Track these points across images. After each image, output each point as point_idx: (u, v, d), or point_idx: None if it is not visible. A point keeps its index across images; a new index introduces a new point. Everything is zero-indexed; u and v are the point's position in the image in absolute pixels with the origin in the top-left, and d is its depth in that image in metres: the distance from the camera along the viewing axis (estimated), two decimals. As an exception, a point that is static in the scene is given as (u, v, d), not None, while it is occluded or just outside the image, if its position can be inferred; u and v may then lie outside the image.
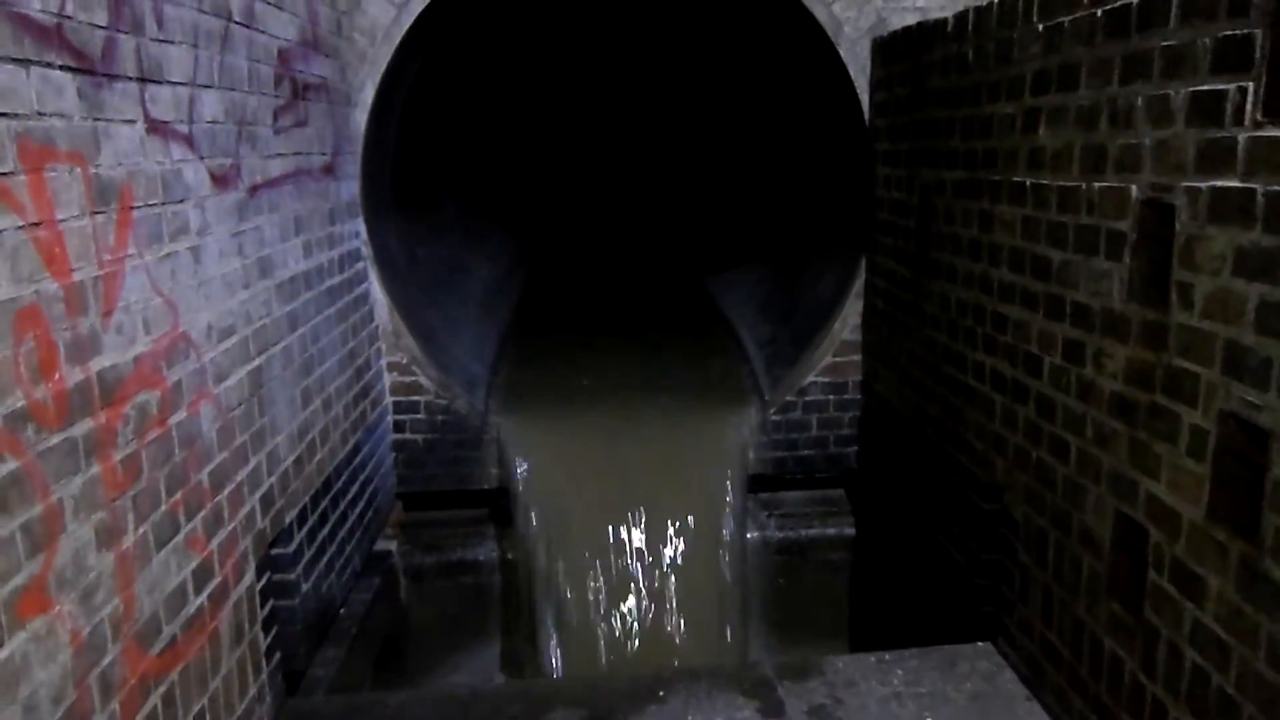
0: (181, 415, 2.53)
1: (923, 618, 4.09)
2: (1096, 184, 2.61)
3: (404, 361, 4.64)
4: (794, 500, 5.11)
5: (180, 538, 2.49)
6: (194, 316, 2.61)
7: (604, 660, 4.39)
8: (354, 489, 4.09)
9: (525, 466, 4.68)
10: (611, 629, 4.46)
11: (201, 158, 2.68)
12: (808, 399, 4.84)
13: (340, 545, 3.90)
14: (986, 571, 3.44)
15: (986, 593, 3.45)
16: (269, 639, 3.10)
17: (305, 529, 3.48)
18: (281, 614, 3.31)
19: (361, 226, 4.35)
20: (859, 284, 4.72)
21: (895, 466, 4.40)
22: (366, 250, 4.40)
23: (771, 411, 4.86)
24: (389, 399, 4.67)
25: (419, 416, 4.72)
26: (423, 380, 4.68)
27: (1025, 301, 3.04)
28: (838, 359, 4.80)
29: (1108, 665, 2.65)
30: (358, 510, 4.14)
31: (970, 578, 3.57)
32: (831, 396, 4.85)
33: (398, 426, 4.73)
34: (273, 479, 3.17)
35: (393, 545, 4.76)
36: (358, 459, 4.15)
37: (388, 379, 4.65)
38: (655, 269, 8.13)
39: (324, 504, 3.70)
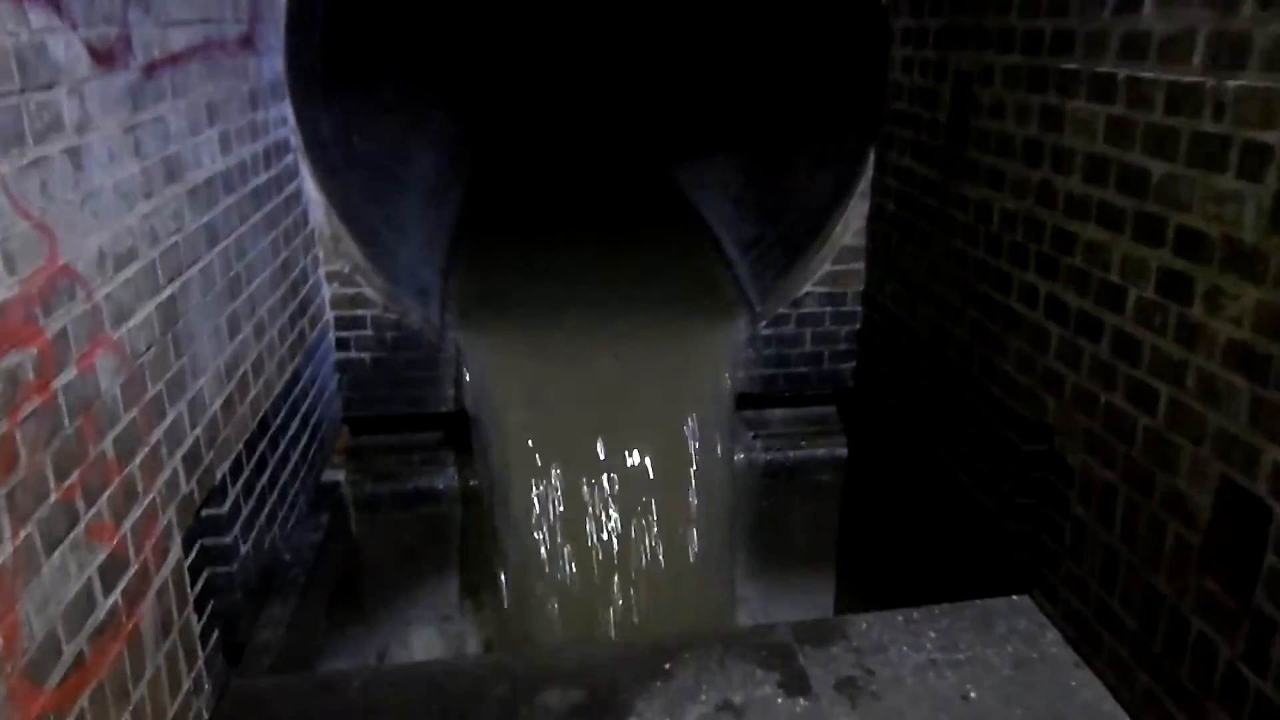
0: (70, 375, 1.93)
1: (930, 552, 3.76)
2: (1231, 82, 2.10)
3: (345, 270, 4.01)
4: (781, 419, 4.70)
5: (79, 530, 1.93)
6: (79, 242, 1.99)
7: (577, 593, 4.00)
8: (295, 423, 3.53)
9: (488, 387, 4.15)
10: (585, 561, 4.04)
11: (74, 26, 2.00)
12: (802, 311, 4.36)
13: (283, 490, 3.37)
14: (1023, 517, 3.08)
15: (1021, 540, 3.10)
16: (204, 619, 2.60)
17: (241, 481, 2.93)
18: (219, 585, 2.80)
19: (289, 111, 3.63)
20: (864, 182, 4.19)
21: (902, 389, 3.99)
22: (296, 140, 3.69)
23: (762, 325, 4.38)
24: (330, 314, 4.05)
25: (365, 333, 4.12)
26: (368, 291, 4.06)
27: (1105, 220, 2.56)
28: (837, 267, 4.31)
29: (1194, 647, 2.30)
30: (300, 446, 3.59)
31: (1001, 521, 3.21)
32: (829, 309, 4.37)
33: (341, 344, 4.13)
34: (198, 430, 2.60)
35: (340, 475, 4.23)
36: (298, 388, 3.57)
37: (327, 291, 4.02)
38: (613, 154, 7.43)
39: (261, 447, 3.14)
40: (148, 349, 2.30)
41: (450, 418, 4.35)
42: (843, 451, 4.63)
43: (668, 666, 2.78)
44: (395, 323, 4.13)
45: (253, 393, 3.06)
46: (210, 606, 2.66)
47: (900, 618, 3.01)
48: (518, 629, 3.99)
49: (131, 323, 2.21)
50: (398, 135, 5.70)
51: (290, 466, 3.45)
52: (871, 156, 4.14)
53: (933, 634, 2.93)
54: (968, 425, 3.40)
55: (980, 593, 3.16)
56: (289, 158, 3.61)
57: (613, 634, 3.92)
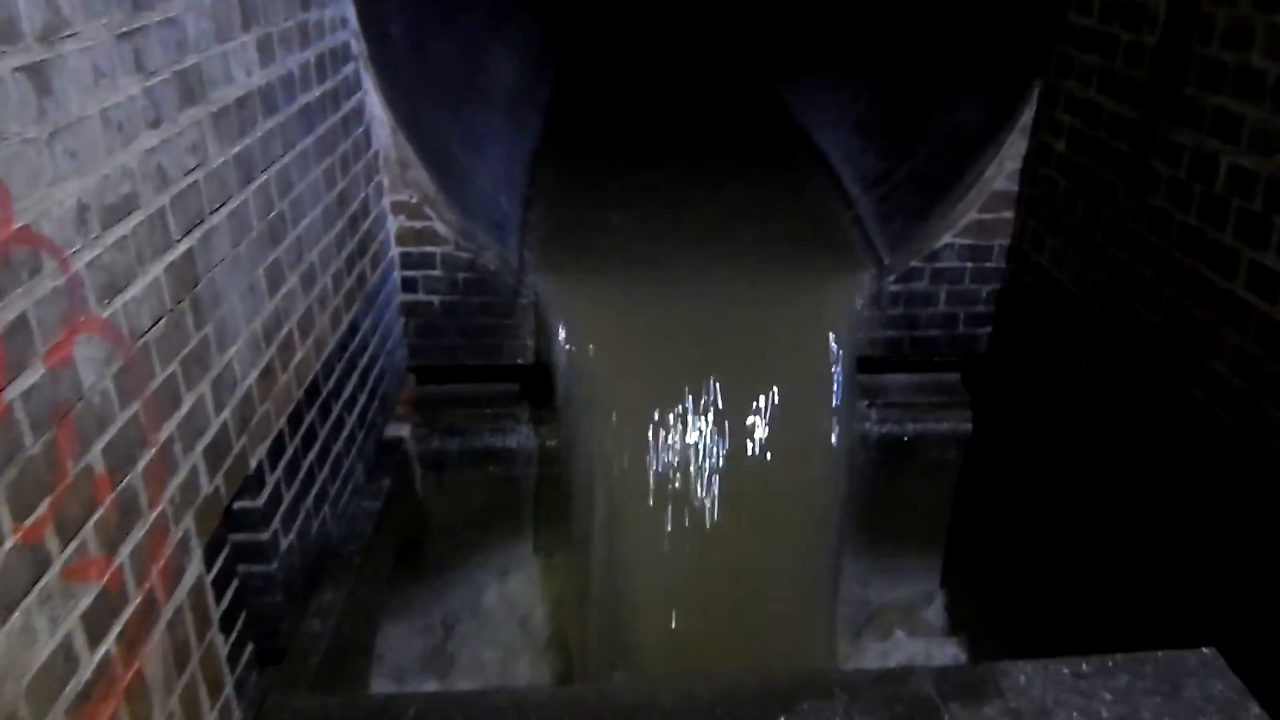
0: (36, 374, 1.46)
1: (1080, 567, 3.19)
2: None
3: (413, 201, 3.49)
4: (900, 386, 4.10)
5: (50, 576, 1.49)
6: (45, 195, 1.49)
7: (666, 573, 3.54)
8: (351, 383, 3.07)
9: (575, 339, 3.62)
10: (676, 537, 3.56)
11: (34, -106, 1.46)
12: (939, 265, 3.71)
13: (335, 462, 2.93)
14: (1222, 552, 2.48)
15: (1215, 579, 2.51)
16: (234, 635, 2.19)
17: (283, 464, 2.49)
18: (255, 587, 2.40)
19: (349, 8, 3.07)
20: (1028, 115, 3.48)
21: (1055, 366, 3.35)
22: (358, 45, 3.13)
23: (890, 279, 3.75)
24: (395, 250, 3.55)
25: (435, 274, 3.62)
26: (438, 226, 3.54)
27: None
28: (985, 215, 3.63)
29: None
30: (357, 408, 3.14)
31: (1188, 552, 2.61)
32: (969, 264, 3.71)
33: (407, 285, 3.64)
34: (225, 414, 2.14)
35: (405, 430, 3.80)
36: (355, 341, 3.10)
37: (392, 225, 3.51)
38: (711, 64, 6.69)
39: (309, 418, 2.69)
40: (154, 324, 1.82)
41: (527, 370, 3.87)
42: (967, 427, 4.03)
43: (782, 719, 2.30)
44: (469, 262, 3.62)
45: (299, 355, 2.60)
46: (243, 618, 2.24)
47: (1066, 670, 2.45)
48: (601, 606, 3.56)
49: (130, 294, 1.73)
50: (476, 38, 5.08)
51: (345, 434, 3.01)
52: (1038, 85, 3.42)
53: (1108, 695, 2.37)
54: (1154, 430, 2.78)
55: (1144, 631, 2.61)
56: (349, 68, 3.06)
57: (702, 618, 3.48)
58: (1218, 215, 2.47)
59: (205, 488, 2.04)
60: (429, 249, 3.57)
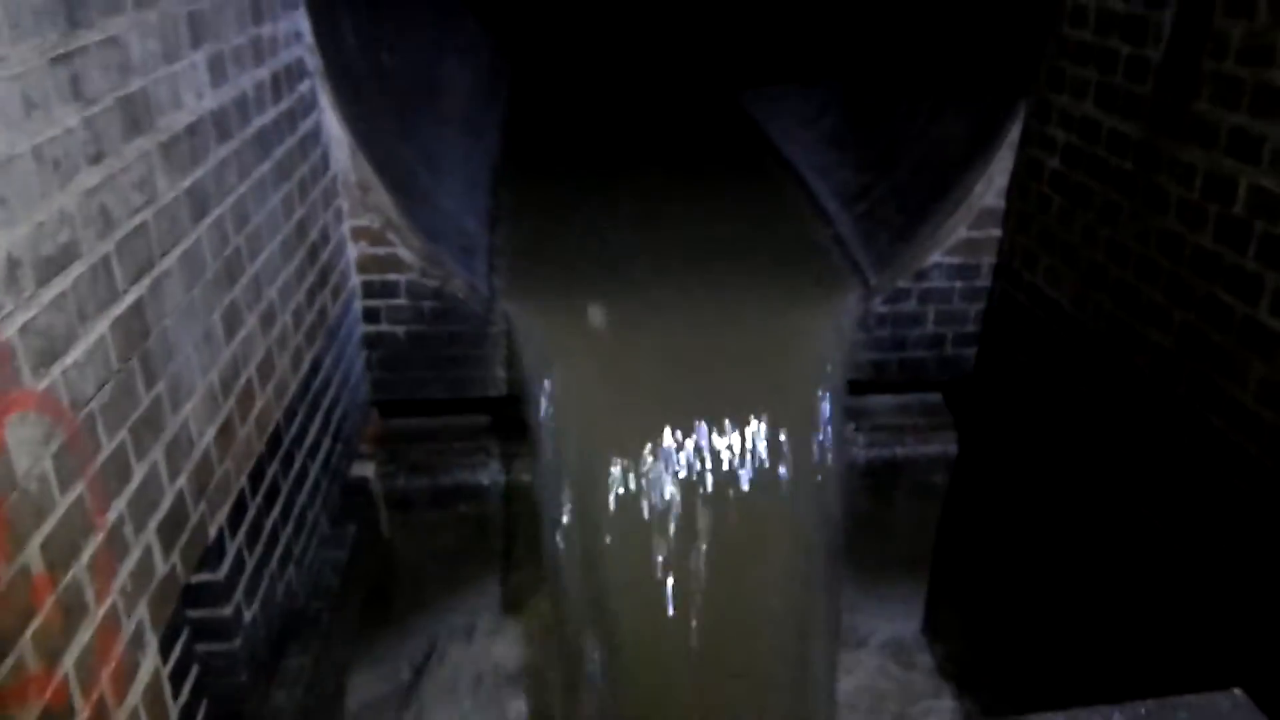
0: (-41, 468, 1.22)
1: (1083, 599, 3.07)
2: None
3: (375, 226, 3.25)
4: (885, 408, 3.97)
5: (-16, 704, 1.25)
6: (-32, 255, 1.25)
7: (647, 613, 3.35)
8: (315, 426, 2.83)
9: (548, 370, 3.41)
10: (664, 574, 3.37)
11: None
12: (926, 285, 3.59)
13: (300, 516, 2.69)
14: (1249, 590, 2.38)
15: (1242, 619, 2.40)
16: (193, 726, 1.95)
17: (244, 527, 2.24)
18: (215, 669, 2.15)
19: (303, 22, 2.83)
20: (1015, 130, 3.37)
21: (1050, 388, 3.24)
22: (314, 60, 2.89)
23: (877, 300, 3.61)
24: (355, 279, 3.31)
25: (398, 303, 3.39)
26: (402, 253, 3.31)
27: None
28: (974, 233, 3.52)
29: None
30: (321, 454, 2.90)
31: (1209, 588, 2.50)
32: (958, 283, 3.60)
33: (369, 315, 3.39)
34: (180, 481, 1.90)
35: (370, 470, 3.55)
36: (317, 380, 2.86)
37: (353, 252, 3.26)
38: (668, 73, 6.52)
39: (271, 471, 2.45)
40: (99, 389, 1.58)
41: (498, 401, 3.65)
42: (954, 449, 3.91)
43: (802, 791, 2.13)
44: (435, 290, 3.39)
45: (259, 404, 2.36)
46: (203, 709, 2.00)
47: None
48: (574, 652, 3.36)
49: (70, 358, 1.49)
50: (429, 51, 4.85)
51: (309, 484, 2.76)
52: (1025, 99, 3.31)
53: (1143, 749, 2.25)
54: (1164, 457, 2.67)
55: (1147, 663, 2.49)
56: (304, 85, 2.83)
57: (691, 671, 3.31)
58: (1238, 238, 2.37)
59: (160, 569, 1.80)
60: (392, 277, 3.34)
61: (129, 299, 1.68)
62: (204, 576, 2.07)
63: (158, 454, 1.79)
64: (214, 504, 2.06)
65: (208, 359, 2.04)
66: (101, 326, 1.59)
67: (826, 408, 3.49)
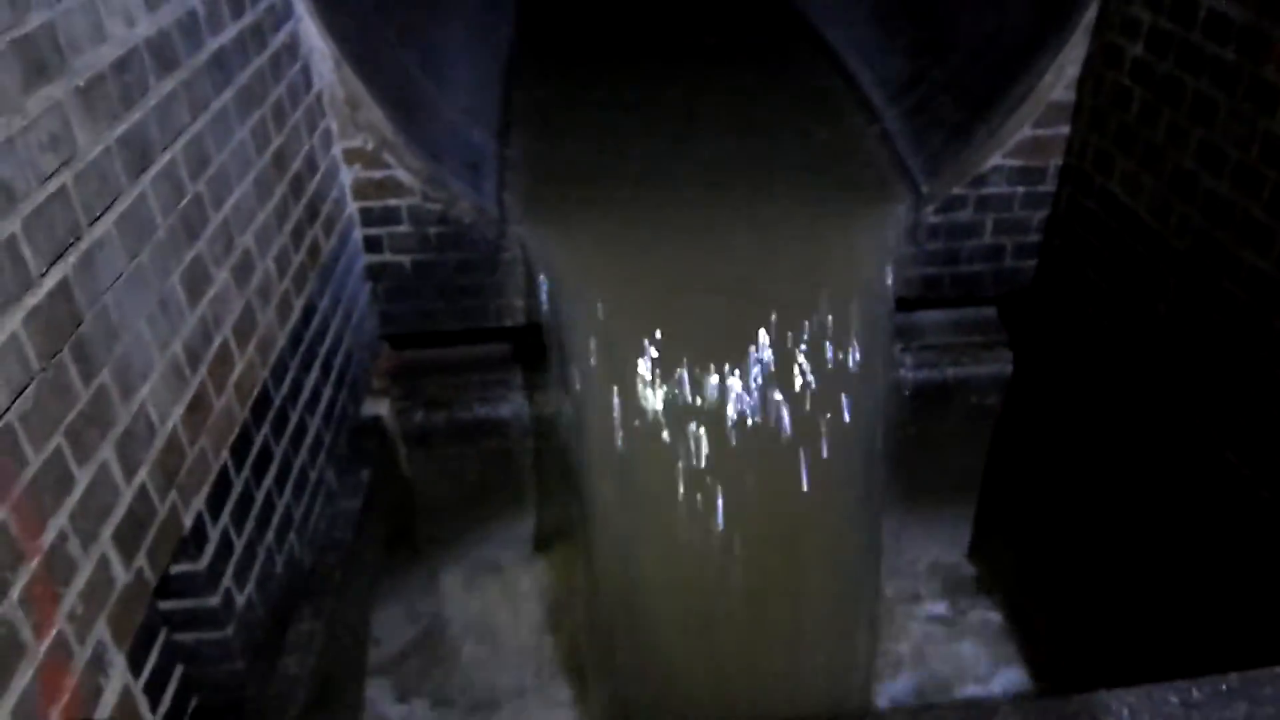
0: None
1: (1145, 538, 2.82)
2: None
3: (369, 147, 2.94)
4: (936, 325, 3.64)
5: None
6: None
7: (683, 549, 3.17)
8: (312, 376, 2.61)
9: (569, 295, 3.14)
10: (694, 508, 3.18)
11: None
12: (985, 191, 3.21)
13: (300, 477, 2.49)
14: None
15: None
16: (182, 729, 1.80)
17: (230, 506, 2.05)
18: (208, 659, 1.99)
19: (273, -85, 2.47)
20: (1092, 10, 2.92)
21: (1122, 307, 2.91)
22: (286, -39, 2.55)
23: (929, 209, 3.26)
24: (352, 206, 3.03)
25: (401, 230, 3.11)
26: (401, 175, 3.01)
27: None
28: (1040, 131, 3.11)
29: None
30: (322, 405, 2.69)
31: (1309, 544, 2.23)
32: (1020, 188, 3.22)
33: (371, 245, 3.13)
34: (141, 475, 1.69)
35: (384, 407, 3.35)
36: (311, 327, 2.62)
37: (347, 176, 2.97)
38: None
39: (261, 438, 2.24)
40: (16, 398, 1.35)
41: (518, 330, 3.40)
42: (1010, 369, 3.60)
43: (846, 784, 1.95)
44: (440, 215, 3.10)
45: (239, 369, 2.13)
46: (194, 705, 1.85)
47: (1175, 699, 2.08)
48: (609, 590, 3.21)
49: (-32, 372, 1.25)
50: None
51: (309, 440, 2.56)
52: (1108, -29, 2.86)
53: (1224, 731, 2.03)
54: (1259, 399, 2.35)
55: (1232, 624, 2.25)
56: (276, -8, 2.49)
57: (727, 609, 3.14)
58: (1367, 146, 1.99)
59: (122, 577, 1.61)
60: (392, 202, 3.05)
61: (48, 284, 1.44)
62: (184, 567, 1.89)
63: (107, 452, 1.58)
64: (188, 490, 1.86)
65: (166, 331, 1.81)
66: (11, 324, 1.34)
67: (873, 328, 3.20)
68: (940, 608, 3.87)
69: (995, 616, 3.75)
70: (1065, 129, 3.11)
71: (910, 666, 3.69)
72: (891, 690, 3.55)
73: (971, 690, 3.56)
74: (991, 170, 3.17)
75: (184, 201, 1.90)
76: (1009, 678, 3.55)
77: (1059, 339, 3.31)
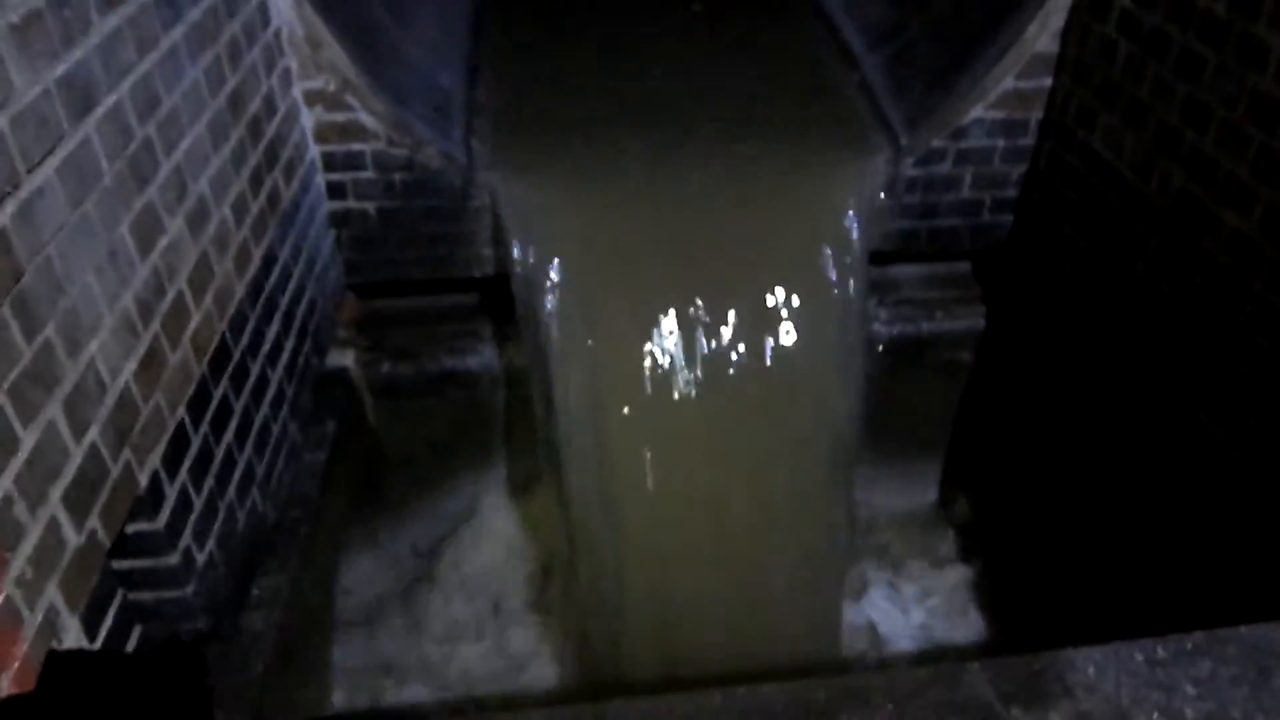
0: None
1: (1115, 496, 2.84)
2: None
3: (331, 88, 2.82)
4: (910, 279, 3.62)
5: None
6: None
7: (656, 495, 3.15)
8: (273, 329, 2.52)
9: (539, 244, 3.06)
10: (665, 457, 3.15)
11: None
12: (965, 145, 3.16)
13: (262, 431, 2.43)
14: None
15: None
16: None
17: (188, 463, 1.98)
18: (168, 617, 1.95)
19: None
20: (1079, -42, 2.85)
21: (1099, 264, 2.89)
22: (241, -113, 2.40)
23: (908, 162, 3.20)
24: (314, 150, 2.92)
25: (366, 175, 3.00)
26: (364, 118, 2.90)
27: None
28: (1023, 84, 3.05)
29: None
30: (284, 357, 2.61)
31: (1269, 503, 2.25)
32: (1001, 141, 3.16)
33: (334, 191, 3.02)
34: (92, 434, 1.62)
35: (348, 357, 3.27)
36: (272, 277, 2.53)
37: (308, 119, 2.85)
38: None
39: (220, 392, 2.16)
40: (-49, 358, 1.27)
41: (486, 281, 3.32)
42: (982, 323, 3.58)
43: (816, 743, 1.95)
44: (406, 160, 3.00)
45: (195, 321, 2.04)
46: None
47: (1140, 656, 2.10)
48: (581, 539, 3.19)
49: (-105, 332, 1.17)
50: None
51: (270, 394, 2.49)
52: (1098, -83, 2.78)
53: (1190, 689, 2.04)
54: (1235, 361, 2.34)
55: (1198, 582, 2.28)
56: (229, -79, 2.34)
57: (699, 553, 3.12)
58: (1356, 106, 1.95)
59: (74, 540, 1.55)
60: (356, 146, 2.94)
61: (-18, 238, 1.35)
62: (141, 526, 1.83)
63: (54, 411, 1.51)
64: (143, 449, 1.79)
65: (116, 283, 1.72)
66: (-58, 280, 1.26)
67: (848, 282, 3.16)
68: (908, 557, 3.90)
69: (963, 567, 3.78)
70: (1048, 81, 3.06)
71: (876, 615, 3.73)
72: (856, 634, 3.58)
73: (937, 637, 3.60)
74: (972, 123, 3.11)
75: (132, 146, 1.79)
76: (975, 625, 3.60)
77: (1033, 295, 3.29)
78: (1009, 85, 3.05)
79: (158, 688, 1.79)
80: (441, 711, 3.20)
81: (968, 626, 3.59)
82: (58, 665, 1.45)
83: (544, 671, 3.32)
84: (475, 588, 3.54)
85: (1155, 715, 1.98)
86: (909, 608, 3.60)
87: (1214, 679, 2.05)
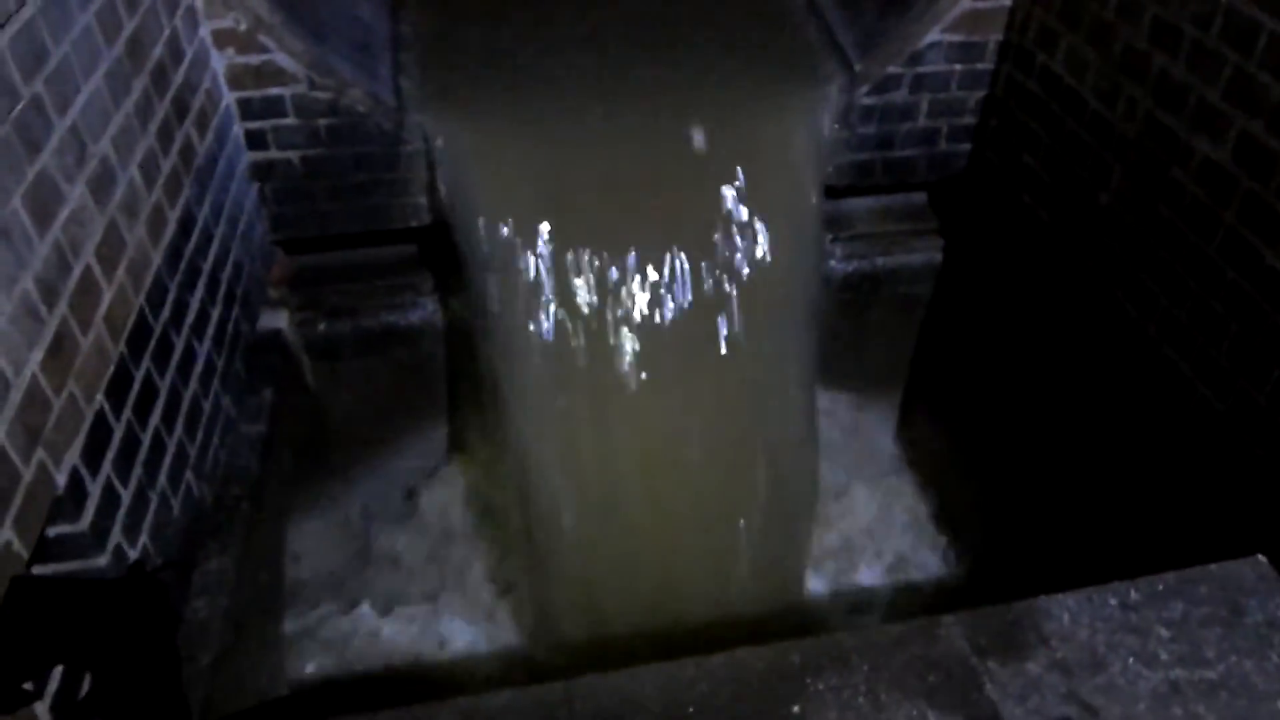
0: None
1: (1081, 430, 2.82)
2: None
3: (242, 28, 2.57)
4: (865, 213, 3.51)
5: None
6: None
7: (608, 442, 3.05)
8: (197, 297, 2.33)
9: (480, 190, 2.89)
10: (614, 410, 3.05)
11: None
12: (921, 70, 3.03)
13: (193, 407, 2.25)
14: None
15: (1271, 477, 2.15)
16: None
17: (112, 454, 1.81)
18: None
19: None
20: None
21: (1060, 194, 2.81)
22: None
23: (863, 90, 3.06)
24: (229, 97, 2.67)
25: (287, 122, 2.77)
26: (281, 59, 2.65)
27: None
28: (980, 4, 2.92)
29: None
30: (212, 325, 2.42)
31: (1238, 439, 2.23)
32: (958, 66, 3.04)
33: (253, 140, 2.79)
34: (-4, 440, 1.45)
35: (282, 319, 3.07)
36: (192, 240, 2.32)
37: (219, 62, 2.60)
38: None
39: (142, 371, 1.98)
40: None
41: (425, 230, 3.14)
42: (939, 256, 3.51)
43: (796, 710, 1.90)
44: (330, 105, 2.77)
45: (109, 299, 1.85)
46: (89, 677, 1.67)
47: (1114, 600, 2.09)
48: (531, 492, 3.09)
49: None
50: None
51: (199, 368, 2.30)
52: None
53: (1164, 631, 2.03)
54: (1205, 293, 2.30)
55: (1168, 517, 2.28)
56: None
57: (650, 507, 3.05)
58: (1337, 28, 1.87)
59: (-18, 561, 1.39)
60: (274, 91, 2.70)
61: None
62: (63, 530, 1.67)
63: (-56, 421, 1.33)
64: (58, 445, 1.62)
65: (12, 264, 1.53)
66: None
67: (801, 219, 3.05)
68: (867, 492, 3.88)
69: (921, 502, 3.79)
70: (1007, 1, 2.93)
71: (837, 550, 3.72)
72: (818, 579, 3.58)
73: (898, 573, 3.61)
74: (928, 47, 2.98)
75: (18, 107, 1.58)
76: (932, 559, 3.62)
77: (992, 227, 3.22)
78: (966, 5, 2.91)
79: (123, 613, 1.73)
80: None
81: (925, 556, 3.61)
82: (22, 591, 1.37)
83: (504, 639, 3.25)
84: (428, 552, 3.44)
85: (1130, 660, 1.97)
86: (870, 553, 3.59)
87: (1186, 620, 2.05)
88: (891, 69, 3.02)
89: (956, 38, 2.97)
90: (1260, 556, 2.15)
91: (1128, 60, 2.46)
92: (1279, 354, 2.09)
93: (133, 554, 1.87)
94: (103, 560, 1.75)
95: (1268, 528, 2.20)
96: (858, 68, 3.04)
